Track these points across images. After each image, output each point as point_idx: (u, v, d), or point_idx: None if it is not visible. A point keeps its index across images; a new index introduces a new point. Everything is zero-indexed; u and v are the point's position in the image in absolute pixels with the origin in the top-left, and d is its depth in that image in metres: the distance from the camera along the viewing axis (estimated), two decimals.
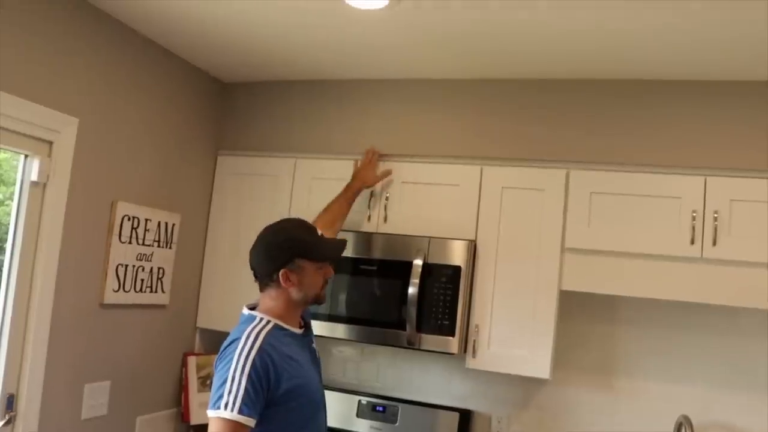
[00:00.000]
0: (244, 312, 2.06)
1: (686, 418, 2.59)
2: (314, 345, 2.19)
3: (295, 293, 2.01)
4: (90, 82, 2.49)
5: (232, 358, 1.86)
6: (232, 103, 3.25)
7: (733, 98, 2.58)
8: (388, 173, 2.91)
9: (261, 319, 1.98)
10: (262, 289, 2.07)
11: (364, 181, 2.87)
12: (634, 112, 2.68)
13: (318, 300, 2.10)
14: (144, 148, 2.79)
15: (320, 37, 2.61)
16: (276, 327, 1.98)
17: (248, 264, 3.03)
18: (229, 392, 1.81)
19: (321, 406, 2.10)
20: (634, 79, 2.69)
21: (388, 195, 2.90)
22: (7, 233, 2.31)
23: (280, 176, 3.08)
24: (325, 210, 2.74)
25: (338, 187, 2.92)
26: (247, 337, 1.90)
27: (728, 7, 2.00)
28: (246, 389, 1.81)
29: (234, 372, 1.83)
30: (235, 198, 3.17)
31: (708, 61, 2.46)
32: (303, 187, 3.04)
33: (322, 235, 2.12)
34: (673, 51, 2.38)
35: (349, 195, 2.82)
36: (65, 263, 2.41)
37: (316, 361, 2.16)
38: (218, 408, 1.81)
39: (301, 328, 2.10)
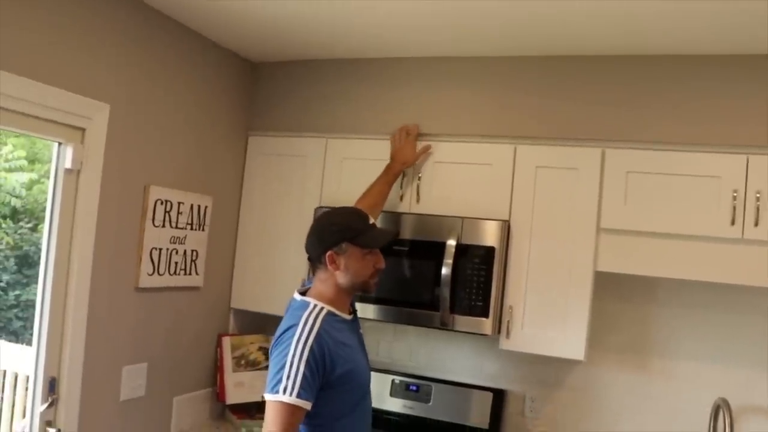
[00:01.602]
0: (296, 297, 2.13)
1: (724, 401, 2.54)
2: (361, 330, 2.26)
3: (341, 277, 2.08)
4: (120, 67, 2.49)
5: (290, 344, 1.94)
6: (263, 83, 3.22)
7: None
8: (427, 149, 2.86)
9: (315, 305, 2.05)
10: (313, 272, 2.15)
11: (404, 161, 2.83)
12: (672, 89, 2.59)
13: (366, 288, 2.15)
14: (175, 131, 2.79)
15: (350, 17, 2.56)
16: (329, 313, 2.05)
17: (280, 245, 3.08)
18: (288, 377, 1.89)
19: (368, 390, 2.17)
20: (670, 54, 2.59)
21: (420, 175, 2.87)
22: (43, 212, 2.34)
23: (310, 156, 3.06)
24: (365, 194, 2.72)
25: (369, 168, 2.90)
26: (305, 324, 1.98)
27: None
28: (304, 374, 1.89)
29: (292, 357, 1.91)
30: (267, 179, 3.16)
31: (748, 34, 2.35)
32: (334, 167, 3.02)
33: (373, 224, 2.16)
34: (711, 24, 2.28)
35: (389, 177, 2.79)
36: (100, 249, 2.43)
37: (362, 344, 2.23)
38: (277, 392, 1.89)
39: (350, 314, 2.17)
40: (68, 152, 2.33)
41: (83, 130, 2.37)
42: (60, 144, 2.34)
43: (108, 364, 2.52)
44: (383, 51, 2.93)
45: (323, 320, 2.01)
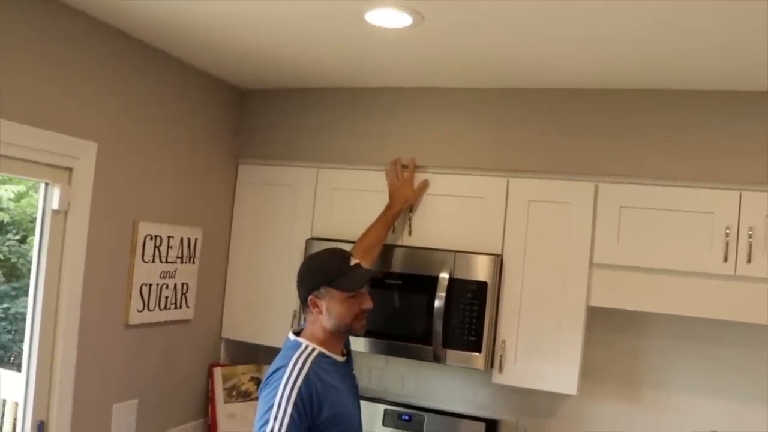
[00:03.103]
0: (290, 337, 2.13)
1: None
2: (355, 372, 2.27)
3: (325, 321, 2.07)
4: (107, 103, 2.45)
5: (278, 385, 1.95)
6: (252, 111, 3.19)
7: (766, 110, 2.48)
8: (426, 185, 2.83)
9: (306, 346, 2.05)
10: (304, 312, 2.15)
11: (405, 200, 2.79)
12: (665, 124, 2.58)
13: (352, 331, 2.14)
14: (164, 163, 2.75)
15: (340, 50, 2.53)
16: (320, 355, 2.05)
17: (271, 275, 3.07)
18: (275, 418, 1.89)
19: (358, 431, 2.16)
20: (664, 89, 2.59)
21: (412, 207, 2.85)
22: (31, 222, 2.30)
23: (301, 186, 3.04)
24: (363, 236, 2.70)
25: (361, 199, 2.90)
26: (294, 365, 1.98)
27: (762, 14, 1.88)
28: (291, 416, 1.89)
29: (280, 399, 1.92)
30: (257, 208, 3.13)
31: (741, 70, 2.33)
32: (325, 197, 2.99)
33: (357, 264, 2.13)
34: (704, 59, 2.26)
35: (389, 218, 2.75)
36: (89, 288, 2.40)
37: (355, 387, 2.23)
38: None
39: (343, 355, 2.17)
40: (55, 193, 2.30)
41: (70, 169, 2.33)
42: (47, 184, 2.31)
43: (97, 404, 2.49)
44: (375, 81, 2.90)
45: (313, 362, 2.01)
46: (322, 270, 2.09)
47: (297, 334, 2.12)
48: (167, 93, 2.75)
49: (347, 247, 2.58)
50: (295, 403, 1.90)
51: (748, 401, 2.71)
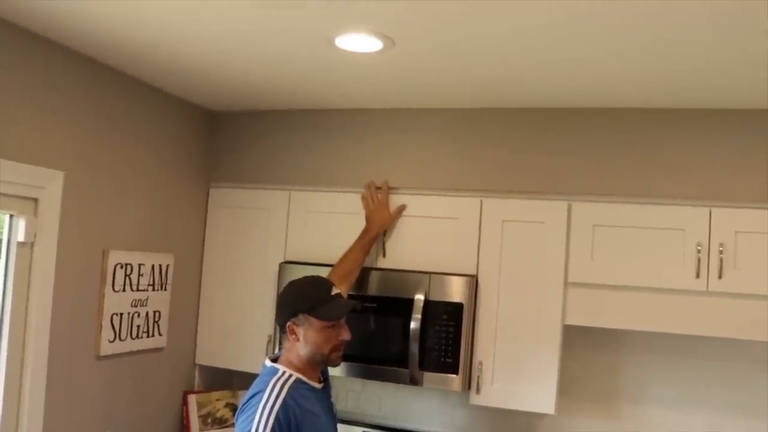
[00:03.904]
0: (267, 363, 2.11)
1: None
2: (333, 400, 2.24)
3: (302, 348, 2.06)
4: (73, 130, 2.40)
5: (255, 410, 1.93)
6: (223, 133, 3.16)
7: (736, 127, 2.52)
8: (402, 208, 2.82)
9: (284, 372, 2.04)
10: (282, 338, 2.17)
11: (382, 224, 2.78)
12: (637, 143, 2.61)
13: (328, 361, 2.12)
14: (133, 189, 2.71)
15: (311, 74, 2.52)
16: (298, 380, 2.03)
17: (245, 299, 3.04)
18: None
19: None
20: (635, 108, 2.61)
21: (386, 229, 2.83)
22: None
23: (274, 209, 3.01)
24: (341, 261, 2.68)
25: (334, 221, 2.88)
26: (271, 390, 1.97)
27: (730, 34, 1.89)
28: None
29: (258, 424, 1.90)
30: (229, 232, 3.10)
31: (710, 89, 2.37)
32: (298, 220, 2.97)
33: (337, 294, 2.12)
34: (675, 78, 2.29)
35: (365, 243, 2.74)
36: (58, 320, 2.34)
37: (333, 414, 2.22)
38: None
39: (320, 382, 2.15)
40: (20, 224, 2.24)
41: (36, 200, 2.27)
42: (11, 216, 2.25)
43: None
44: (346, 103, 2.89)
45: (290, 387, 1.99)
46: (303, 297, 2.08)
47: (274, 360, 2.10)
48: (135, 117, 2.71)
49: (323, 271, 2.58)
50: (273, 429, 1.89)
51: (725, 413, 2.74)
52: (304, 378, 2.06)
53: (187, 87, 2.83)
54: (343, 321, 2.11)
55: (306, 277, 2.22)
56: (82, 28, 2.18)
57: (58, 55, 2.32)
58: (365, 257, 2.73)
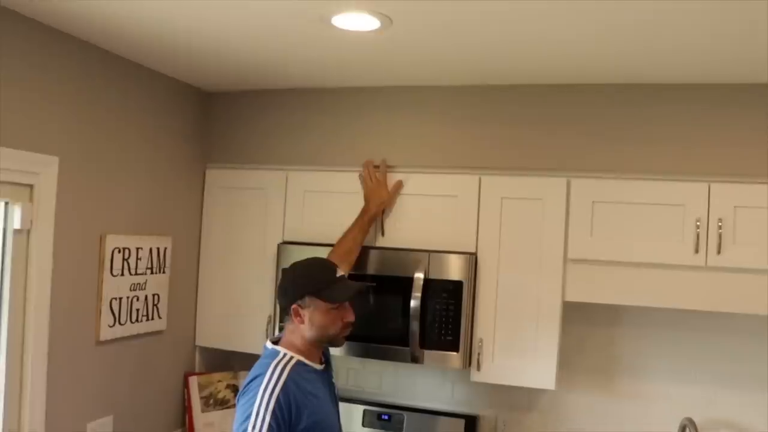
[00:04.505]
0: (268, 346, 2.11)
1: (690, 421, 2.59)
2: (334, 380, 2.25)
3: (307, 330, 2.06)
4: (66, 115, 2.36)
5: (256, 393, 1.94)
6: (218, 114, 3.12)
7: (735, 102, 2.51)
8: (399, 186, 2.80)
9: (284, 354, 2.04)
10: (284, 321, 2.13)
11: (381, 202, 2.75)
12: (635, 118, 2.60)
13: (334, 342, 2.14)
14: (129, 172, 2.68)
15: (307, 53, 2.48)
16: (299, 363, 2.04)
17: (243, 280, 3.03)
18: (254, 427, 1.88)
19: None
20: (633, 83, 2.59)
21: (385, 207, 2.82)
22: None
23: (270, 189, 2.98)
24: (340, 241, 2.67)
25: (332, 201, 2.87)
26: (272, 373, 1.97)
27: (729, 7, 1.86)
28: (270, 425, 1.88)
29: (258, 407, 1.91)
30: (226, 213, 3.07)
31: (709, 64, 2.35)
32: (296, 200, 2.94)
33: (342, 276, 2.14)
34: (673, 54, 2.26)
35: (365, 221, 2.71)
36: (57, 307, 2.33)
37: (334, 395, 2.22)
38: None
39: (321, 363, 2.16)
40: (16, 212, 2.21)
41: (31, 186, 2.24)
42: (7, 203, 2.22)
43: (71, 424, 2.43)
44: (343, 81, 2.85)
45: (291, 370, 2.00)
46: (309, 279, 2.08)
47: (275, 342, 2.11)
48: (129, 100, 2.67)
49: (322, 251, 2.58)
50: (274, 412, 1.90)
51: (720, 387, 2.77)
52: (305, 360, 2.06)
53: (181, 68, 2.78)
54: (347, 303, 2.11)
55: (310, 259, 2.22)
56: (74, 12, 2.13)
57: (49, 40, 2.27)
58: (364, 237, 2.72)
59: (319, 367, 2.13)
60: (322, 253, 2.75)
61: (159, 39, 2.40)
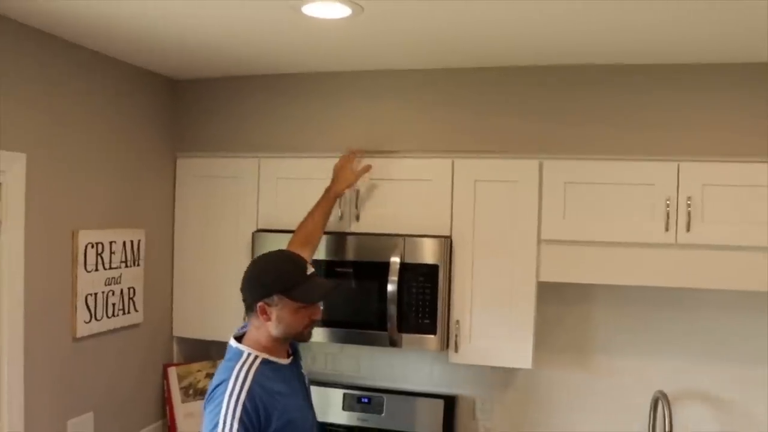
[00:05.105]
0: (231, 344, 2.03)
1: (663, 394, 2.67)
2: (303, 370, 2.19)
3: (273, 328, 1.98)
4: (31, 109, 2.31)
5: (221, 401, 1.85)
6: (187, 101, 3.07)
7: (702, 83, 2.55)
8: (367, 168, 2.77)
9: (248, 355, 1.97)
10: (248, 316, 2.04)
11: (345, 180, 2.70)
12: (605, 100, 2.62)
13: (299, 339, 2.07)
14: (98, 166, 2.63)
15: (276, 40, 2.45)
16: (264, 362, 1.97)
17: (219, 269, 2.99)
18: None
19: None
20: (603, 64, 2.61)
21: (358, 191, 2.81)
22: None
23: (243, 177, 2.96)
24: (299, 227, 2.59)
25: (306, 187, 2.85)
26: (236, 378, 1.90)
27: None
28: None
29: (225, 415, 1.83)
30: (199, 203, 3.04)
31: (677, 45, 2.37)
32: (269, 187, 2.93)
33: (313, 273, 2.05)
34: (642, 34, 2.27)
35: (329, 200, 2.66)
36: (32, 305, 2.30)
37: (305, 386, 2.16)
38: None
39: (288, 357, 2.09)
40: None
41: None
42: None
43: (51, 423, 2.41)
44: (314, 66, 2.83)
45: (256, 372, 1.93)
46: (278, 277, 1.98)
47: (239, 339, 2.03)
48: (95, 92, 2.61)
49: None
50: (241, 419, 1.83)
51: (691, 360, 2.84)
52: (270, 357, 1.99)
53: (146, 56, 2.72)
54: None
55: (278, 253, 2.14)
56: (33, 3, 2.06)
57: (7, 32, 2.20)
58: (325, 219, 2.65)
59: (285, 361, 2.05)
60: None
61: (123, 28, 2.35)
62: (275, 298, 1.96)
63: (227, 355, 2.03)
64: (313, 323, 2.05)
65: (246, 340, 2.02)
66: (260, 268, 2.06)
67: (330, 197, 2.68)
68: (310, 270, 2.04)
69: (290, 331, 2.00)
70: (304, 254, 2.27)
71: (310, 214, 2.62)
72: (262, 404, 1.87)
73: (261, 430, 1.87)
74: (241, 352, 1.98)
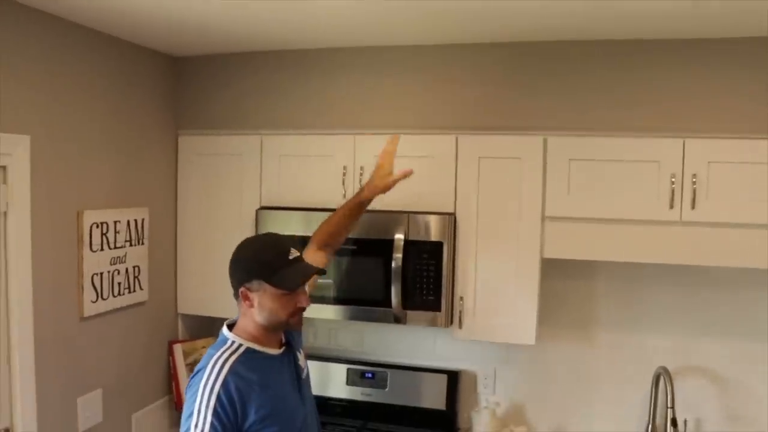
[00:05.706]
0: (223, 331, 1.96)
1: (665, 369, 2.70)
2: (300, 362, 2.09)
3: (257, 315, 1.90)
4: (34, 91, 2.29)
5: (197, 390, 1.80)
6: (188, 79, 3.05)
7: (708, 58, 2.52)
8: (407, 174, 2.35)
9: (232, 343, 1.90)
10: (237, 302, 1.96)
11: (374, 190, 2.33)
12: (610, 75, 2.60)
13: (287, 327, 1.97)
14: (101, 146, 2.62)
15: (277, 17, 2.42)
16: (247, 351, 1.90)
17: (222, 246, 2.97)
18: (196, 425, 1.77)
19: (302, 428, 2.00)
20: (608, 39, 2.59)
21: (362, 169, 2.80)
22: None
23: (246, 155, 2.95)
24: (324, 223, 2.37)
25: (309, 164, 2.87)
26: (212, 367, 1.83)
27: None
28: (212, 424, 1.76)
29: (200, 405, 1.78)
30: (202, 180, 3.04)
31: (680, 19, 2.34)
32: (271, 165, 2.92)
33: (298, 257, 1.93)
34: (647, 7, 2.23)
35: (354, 204, 2.35)
36: (40, 287, 2.32)
37: (298, 378, 2.06)
38: None
39: (281, 347, 2.00)
40: None
41: (4, 168, 2.20)
42: None
43: (61, 400, 2.45)
44: (316, 42, 2.80)
45: (235, 361, 1.85)
46: (257, 262, 1.88)
47: (231, 326, 1.97)
48: (96, 71, 2.59)
49: (301, 215, 2.52)
50: (215, 411, 1.77)
51: (693, 336, 2.86)
52: (257, 347, 1.91)
53: (147, 34, 2.69)
54: (302, 287, 1.93)
55: (262, 237, 2.07)
56: None
57: (9, 13, 2.17)
58: (352, 221, 2.38)
59: (275, 351, 1.96)
60: (300, 217, 2.78)
61: (125, 6, 2.31)
62: (255, 283, 1.88)
63: (217, 340, 1.97)
64: (300, 311, 1.94)
65: (236, 328, 1.95)
66: (242, 252, 1.96)
67: (354, 204, 2.37)
68: (294, 254, 1.92)
69: (274, 318, 1.90)
70: (321, 255, 2.25)
71: (334, 215, 2.38)
72: (239, 396, 1.81)
73: (237, 421, 1.81)
74: (226, 340, 1.92)
